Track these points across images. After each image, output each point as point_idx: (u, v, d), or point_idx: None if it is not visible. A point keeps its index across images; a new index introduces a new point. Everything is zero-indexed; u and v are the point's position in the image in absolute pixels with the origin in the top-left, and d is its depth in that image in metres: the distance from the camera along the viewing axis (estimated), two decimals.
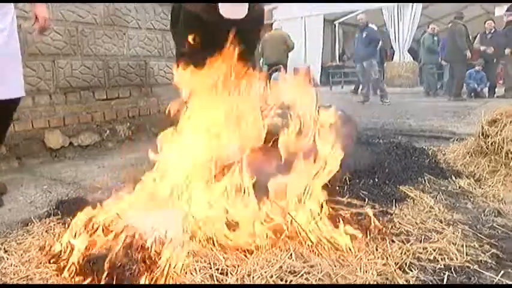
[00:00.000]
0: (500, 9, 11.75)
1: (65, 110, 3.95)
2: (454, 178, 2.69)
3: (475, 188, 2.56)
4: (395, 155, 3.20)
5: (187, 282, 1.50)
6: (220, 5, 2.57)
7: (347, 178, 2.53)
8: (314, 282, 1.48)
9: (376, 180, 2.57)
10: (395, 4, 14.14)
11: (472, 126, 4.23)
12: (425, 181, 2.59)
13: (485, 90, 9.52)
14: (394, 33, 14.01)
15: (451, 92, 9.12)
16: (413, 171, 2.78)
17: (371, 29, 9.13)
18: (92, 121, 4.12)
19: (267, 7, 18.29)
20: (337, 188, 2.30)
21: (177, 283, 1.49)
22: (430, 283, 1.50)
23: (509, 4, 9.32)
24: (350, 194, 2.27)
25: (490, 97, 9.19)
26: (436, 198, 2.34)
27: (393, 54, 14.33)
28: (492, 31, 9.46)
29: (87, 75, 4.08)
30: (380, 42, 9.88)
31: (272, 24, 15.24)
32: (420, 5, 14.05)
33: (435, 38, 10.61)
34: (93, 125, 4.13)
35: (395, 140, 3.89)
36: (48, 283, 1.56)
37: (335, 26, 17.18)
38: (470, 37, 9.69)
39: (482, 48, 9.44)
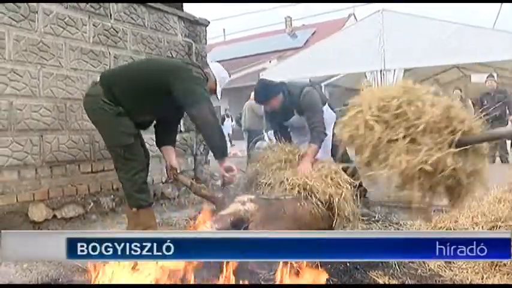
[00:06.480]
0: (476, 77, 12.28)
1: (50, 183, 4.04)
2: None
3: (444, 271, 2.65)
4: None
5: None
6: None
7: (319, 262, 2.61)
8: None
9: (348, 264, 2.65)
10: (379, 67, 14.69)
11: None
12: (395, 264, 2.68)
13: None
14: None
15: None
16: None
17: None
18: (76, 194, 4.19)
19: (255, 68, 18.92)
20: None
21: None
22: None
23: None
24: None
25: None
26: (404, 284, 2.43)
27: None
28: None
29: (73, 149, 4.21)
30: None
31: None
32: (402, 69, 14.58)
33: None
34: (77, 197, 4.19)
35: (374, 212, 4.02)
36: None
37: (321, 87, 17.73)
38: None
39: None
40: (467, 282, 2.46)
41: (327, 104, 4.16)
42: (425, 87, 2.35)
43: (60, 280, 2.69)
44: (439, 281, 2.52)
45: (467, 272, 2.57)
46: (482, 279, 2.48)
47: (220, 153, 3.19)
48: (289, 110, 4.00)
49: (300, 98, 3.86)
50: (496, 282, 2.41)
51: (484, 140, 2.22)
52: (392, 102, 2.21)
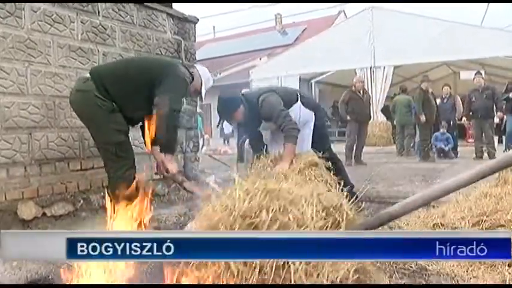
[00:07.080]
0: (465, 74, 12.39)
1: (39, 181, 4.02)
2: None
3: (432, 265, 2.69)
4: None
5: None
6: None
7: None
8: None
9: None
10: (369, 64, 14.78)
11: None
12: None
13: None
14: None
15: (420, 153, 9.44)
16: None
17: None
18: (65, 191, 4.18)
19: (245, 65, 18.94)
20: None
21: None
22: None
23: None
24: None
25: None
26: (392, 277, 2.46)
27: None
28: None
29: (62, 146, 4.19)
30: None
31: (249, 83, 15.72)
32: (392, 66, 14.67)
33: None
34: (67, 195, 4.19)
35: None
36: None
37: (311, 84, 17.77)
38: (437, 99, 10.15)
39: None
40: (453, 275, 2.50)
41: (299, 100, 4.13)
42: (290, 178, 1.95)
43: (50, 277, 2.69)
44: (426, 275, 2.56)
45: (452, 265, 2.61)
46: (467, 271, 2.51)
47: (163, 147, 3.29)
48: (254, 119, 4.01)
49: (259, 106, 3.87)
50: (481, 275, 2.45)
51: (375, 227, 1.90)
52: (262, 217, 1.70)
